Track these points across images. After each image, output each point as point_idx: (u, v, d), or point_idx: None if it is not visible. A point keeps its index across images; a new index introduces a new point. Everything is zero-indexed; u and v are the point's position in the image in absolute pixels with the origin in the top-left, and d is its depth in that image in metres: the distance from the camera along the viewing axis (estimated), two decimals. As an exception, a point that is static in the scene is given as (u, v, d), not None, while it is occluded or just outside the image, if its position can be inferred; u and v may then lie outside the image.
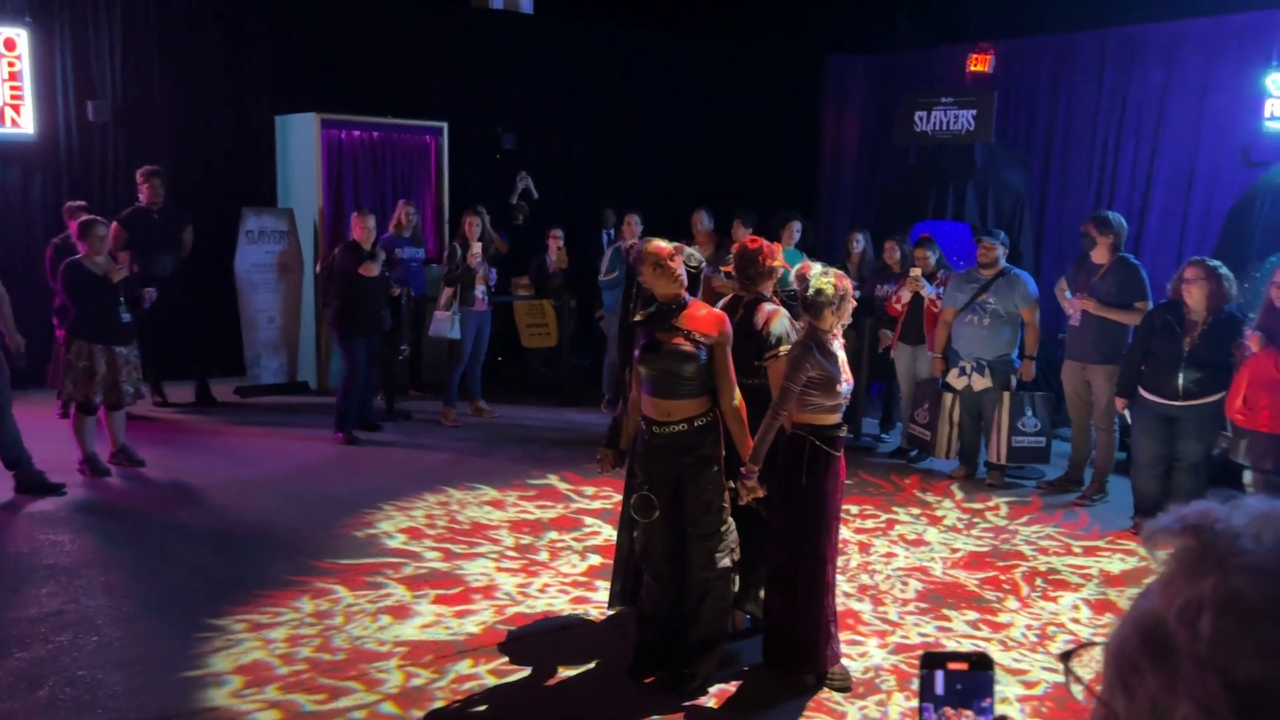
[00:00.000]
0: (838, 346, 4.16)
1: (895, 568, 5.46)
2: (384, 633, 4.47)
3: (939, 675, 0.96)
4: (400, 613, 4.67)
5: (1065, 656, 0.72)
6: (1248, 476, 5.54)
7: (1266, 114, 7.67)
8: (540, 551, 5.54)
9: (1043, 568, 5.50)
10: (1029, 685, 4.15)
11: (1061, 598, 5.09)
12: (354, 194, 9.58)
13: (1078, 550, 5.80)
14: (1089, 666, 0.68)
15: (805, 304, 4.11)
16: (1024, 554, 5.72)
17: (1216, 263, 5.66)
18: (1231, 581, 0.63)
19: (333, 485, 6.60)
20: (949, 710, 0.95)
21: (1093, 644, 0.70)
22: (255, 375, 9.31)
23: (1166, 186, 9.22)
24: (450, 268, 8.20)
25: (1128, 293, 6.53)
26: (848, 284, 4.16)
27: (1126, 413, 6.12)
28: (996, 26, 10.06)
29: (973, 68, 9.88)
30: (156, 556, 5.34)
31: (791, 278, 4.52)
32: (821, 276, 4.10)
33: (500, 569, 5.26)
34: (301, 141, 9.49)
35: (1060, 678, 0.72)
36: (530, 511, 6.21)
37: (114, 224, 7.40)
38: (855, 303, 4.29)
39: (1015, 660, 4.39)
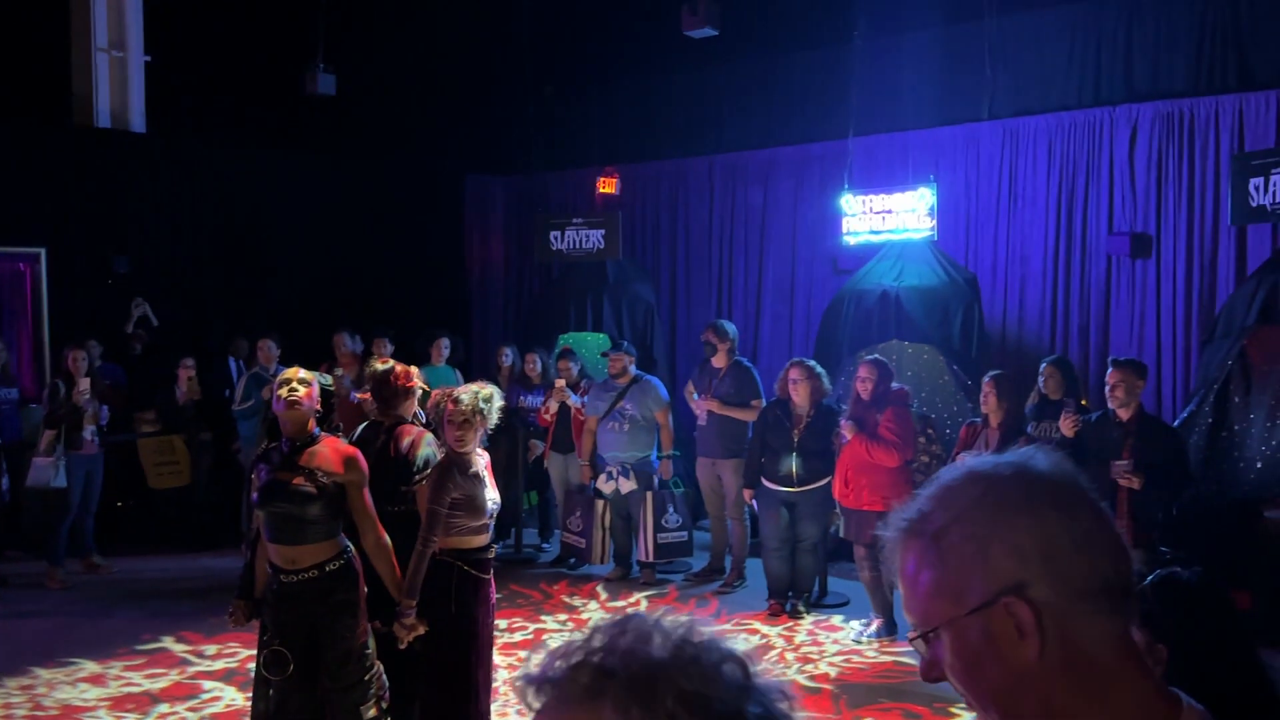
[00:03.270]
0: (481, 464, 4.14)
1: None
2: None
3: None
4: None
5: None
6: (857, 551, 6.18)
7: (844, 229, 8.83)
8: (147, 729, 4.91)
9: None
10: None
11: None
12: (-69, 331, 8.36)
13: (708, 636, 6.14)
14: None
15: (441, 423, 4.08)
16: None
17: (812, 362, 6.37)
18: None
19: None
20: None
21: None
22: None
23: (774, 294, 10.29)
24: (52, 408, 7.33)
25: (744, 392, 7.18)
26: (489, 394, 4.08)
27: (754, 501, 6.64)
28: (618, 152, 10.87)
29: (600, 189, 10.57)
30: None
31: (429, 406, 4.43)
32: (462, 393, 4.07)
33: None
34: None
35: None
36: (137, 684, 5.50)
37: None
38: (491, 417, 4.16)
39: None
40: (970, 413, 7.46)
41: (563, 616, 6.55)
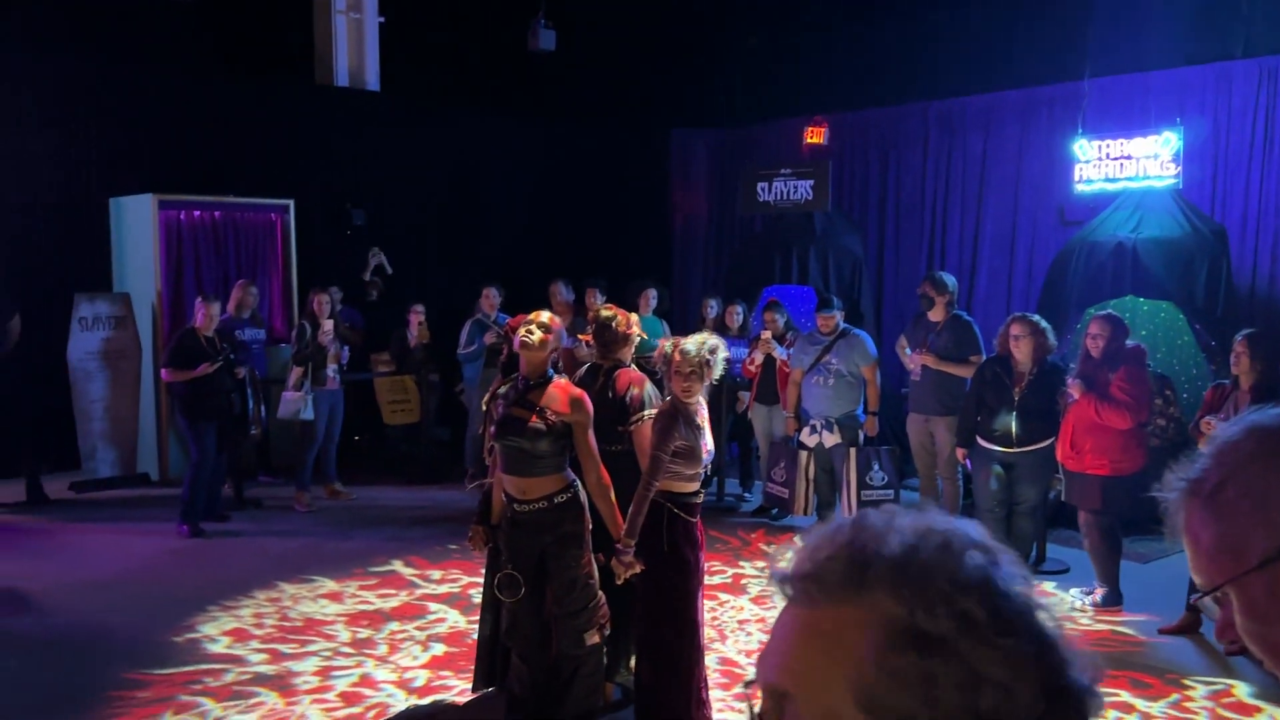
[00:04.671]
0: (702, 416, 4.21)
1: (741, 620, 5.58)
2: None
3: None
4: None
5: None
6: (1081, 516, 5.89)
7: (1076, 177, 8.30)
8: (379, 645, 5.26)
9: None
10: None
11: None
12: (195, 276, 9.26)
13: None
14: None
15: (669, 373, 4.15)
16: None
17: (1037, 317, 6.06)
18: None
19: (176, 583, 6.23)
20: None
21: None
22: (91, 469, 8.77)
23: (992, 246, 9.84)
24: (300, 347, 7.99)
25: (963, 347, 6.92)
26: (715, 346, 4.14)
27: (967, 461, 6.43)
28: (827, 101, 10.62)
29: (808, 140, 10.37)
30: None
31: (656, 356, 4.53)
32: (689, 343, 4.11)
33: (333, 667, 4.94)
34: (138, 224, 9.13)
35: None
36: (370, 602, 5.94)
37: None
38: (717, 368, 4.20)
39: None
40: (1212, 375, 6.92)
41: (760, 564, 6.60)
